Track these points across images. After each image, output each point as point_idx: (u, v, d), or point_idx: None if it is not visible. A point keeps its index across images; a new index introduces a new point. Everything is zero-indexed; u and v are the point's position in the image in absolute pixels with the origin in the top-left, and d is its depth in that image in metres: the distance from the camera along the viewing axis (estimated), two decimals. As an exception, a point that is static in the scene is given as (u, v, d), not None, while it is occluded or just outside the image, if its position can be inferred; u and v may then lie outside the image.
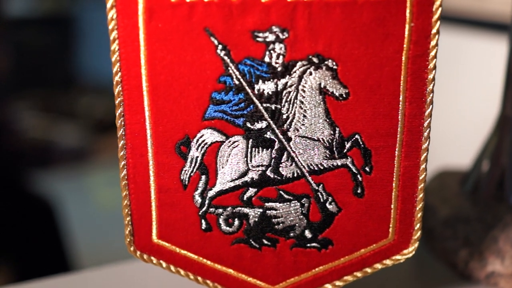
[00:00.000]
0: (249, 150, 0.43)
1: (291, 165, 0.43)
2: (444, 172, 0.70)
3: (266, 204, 0.44)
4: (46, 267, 1.26)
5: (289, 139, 0.42)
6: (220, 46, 0.40)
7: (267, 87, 0.41)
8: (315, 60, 0.40)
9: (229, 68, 0.40)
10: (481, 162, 0.64)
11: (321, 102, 0.42)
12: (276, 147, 0.42)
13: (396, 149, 0.43)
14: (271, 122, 0.42)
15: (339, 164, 0.43)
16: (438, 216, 0.60)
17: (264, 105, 0.41)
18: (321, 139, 0.42)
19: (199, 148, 0.42)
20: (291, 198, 0.44)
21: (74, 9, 2.77)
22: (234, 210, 0.44)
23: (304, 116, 0.42)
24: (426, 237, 0.60)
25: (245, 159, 0.43)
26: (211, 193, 0.44)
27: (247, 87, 0.41)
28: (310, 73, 0.41)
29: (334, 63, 0.41)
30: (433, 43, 0.41)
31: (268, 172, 0.43)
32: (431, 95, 0.42)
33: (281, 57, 0.40)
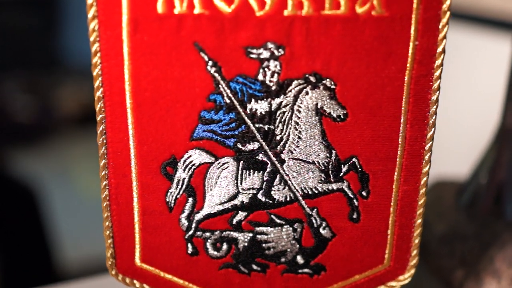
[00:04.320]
0: (240, 172, 0.40)
1: (283, 188, 0.40)
2: (440, 183, 0.68)
3: (257, 228, 0.41)
4: (28, 254, 1.24)
5: (282, 162, 0.40)
6: (210, 62, 0.37)
7: (260, 106, 0.38)
8: (312, 79, 0.38)
9: (219, 85, 0.38)
10: (478, 175, 0.62)
11: (318, 123, 0.39)
12: (268, 169, 0.40)
13: (395, 173, 0.41)
14: (264, 143, 0.39)
15: (335, 188, 0.40)
16: (434, 231, 0.58)
17: (257, 125, 0.39)
18: (316, 162, 0.40)
19: (187, 169, 0.40)
20: (283, 222, 0.41)
21: (59, -10, 2.70)
22: (222, 234, 0.41)
23: (299, 137, 0.39)
24: (420, 252, 0.58)
25: (235, 181, 0.40)
26: (198, 216, 0.41)
27: (238, 106, 0.38)
28: (307, 93, 0.38)
29: (332, 83, 0.38)
30: (438, 62, 0.38)
31: (259, 196, 0.40)
32: (433, 117, 0.40)
33: (275, 75, 0.38)
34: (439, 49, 0.38)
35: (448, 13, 0.37)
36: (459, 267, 0.54)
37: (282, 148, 0.39)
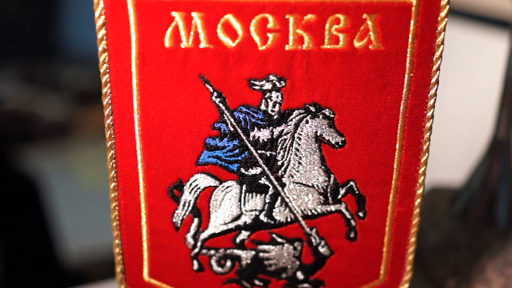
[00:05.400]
0: (243, 195, 0.42)
1: (284, 210, 0.42)
2: (435, 190, 0.70)
3: (259, 246, 0.44)
4: (30, 245, 1.26)
5: (283, 185, 0.42)
6: (215, 93, 0.39)
7: (263, 134, 0.40)
8: (312, 108, 0.40)
9: (224, 115, 0.40)
10: (472, 184, 0.64)
11: (317, 150, 0.41)
12: (270, 192, 0.42)
13: (391, 196, 0.43)
14: (266, 168, 0.41)
15: (333, 209, 0.43)
16: (428, 241, 0.60)
17: (259, 151, 0.41)
18: (315, 186, 0.42)
19: (192, 192, 0.42)
20: (284, 241, 0.43)
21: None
22: (226, 252, 0.44)
23: (299, 163, 0.41)
24: (415, 261, 0.60)
25: (239, 203, 0.42)
26: (203, 236, 0.43)
27: (242, 134, 0.40)
28: (307, 121, 0.40)
29: (331, 112, 0.40)
30: (432, 92, 0.40)
31: (261, 217, 0.43)
32: (427, 143, 0.42)
33: (277, 105, 0.40)
34: (433, 80, 0.40)
35: (442, 46, 0.39)
36: (451, 275, 0.56)
37: (283, 173, 0.41)
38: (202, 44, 0.38)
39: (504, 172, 0.62)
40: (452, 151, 0.91)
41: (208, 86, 0.39)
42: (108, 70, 0.39)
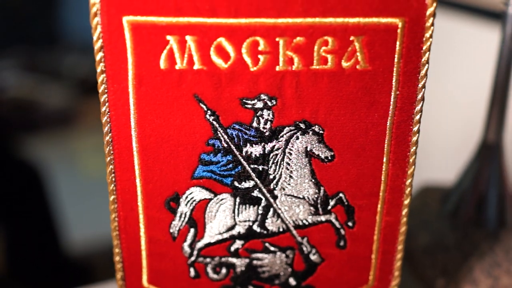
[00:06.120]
0: (237, 206, 0.44)
1: (277, 220, 0.44)
2: (426, 188, 0.72)
3: (252, 255, 0.46)
4: (33, 233, 1.28)
5: (275, 197, 0.44)
6: (209, 112, 0.41)
7: (255, 150, 0.42)
8: (302, 125, 0.41)
9: (218, 132, 0.41)
10: (462, 184, 0.66)
11: (307, 164, 0.43)
12: (262, 204, 0.44)
13: (379, 206, 0.44)
14: (258, 181, 0.43)
15: (323, 219, 0.44)
16: (419, 241, 0.62)
17: (252, 166, 0.43)
18: (306, 198, 0.44)
19: (188, 204, 0.44)
20: (277, 249, 0.45)
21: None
22: (221, 260, 0.46)
23: (290, 176, 0.43)
24: (405, 262, 0.63)
25: (233, 214, 0.44)
26: (199, 245, 0.45)
27: (235, 150, 0.42)
28: (297, 138, 0.42)
29: (320, 128, 0.41)
30: (417, 108, 0.42)
31: (254, 227, 0.44)
32: (413, 156, 0.43)
33: (269, 122, 0.41)
34: (419, 97, 0.41)
35: (427, 65, 0.40)
36: (441, 276, 0.58)
37: (275, 186, 0.43)
38: (196, 66, 0.39)
39: (494, 173, 0.63)
40: (444, 150, 0.93)
41: (202, 105, 0.40)
42: (106, 90, 0.41)
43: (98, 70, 0.40)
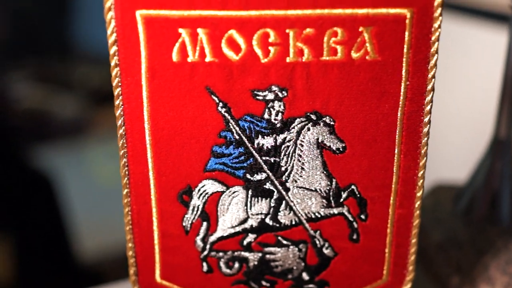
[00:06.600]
0: (249, 199, 0.44)
1: (289, 213, 0.44)
2: (439, 187, 0.72)
3: (265, 249, 0.46)
4: (46, 242, 1.28)
5: (287, 190, 0.44)
6: (221, 104, 0.41)
7: (267, 141, 0.42)
8: (313, 117, 0.42)
9: (229, 124, 0.42)
10: (475, 182, 0.65)
11: (319, 156, 0.43)
12: (275, 197, 0.44)
13: (391, 198, 0.44)
14: (270, 174, 0.43)
15: (336, 212, 0.44)
16: (432, 239, 0.62)
17: (264, 158, 0.43)
18: (318, 190, 0.44)
19: (201, 197, 0.44)
20: (289, 243, 0.45)
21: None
22: (234, 254, 0.46)
23: (302, 168, 0.43)
24: (419, 259, 0.62)
25: (245, 207, 0.44)
26: (212, 239, 0.45)
27: (247, 142, 0.42)
28: (308, 129, 0.42)
29: (331, 120, 0.42)
30: (428, 98, 0.42)
31: (267, 220, 0.45)
32: (425, 147, 0.43)
33: (280, 114, 0.42)
34: (429, 87, 0.42)
35: (436, 56, 0.41)
36: (455, 274, 0.57)
37: (287, 178, 0.43)
38: (208, 58, 0.40)
39: (507, 170, 0.63)
40: (456, 148, 0.93)
41: (214, 97, 0.41)
42: (120, 84, 0.41)
43: (112, 63, 0.41)
